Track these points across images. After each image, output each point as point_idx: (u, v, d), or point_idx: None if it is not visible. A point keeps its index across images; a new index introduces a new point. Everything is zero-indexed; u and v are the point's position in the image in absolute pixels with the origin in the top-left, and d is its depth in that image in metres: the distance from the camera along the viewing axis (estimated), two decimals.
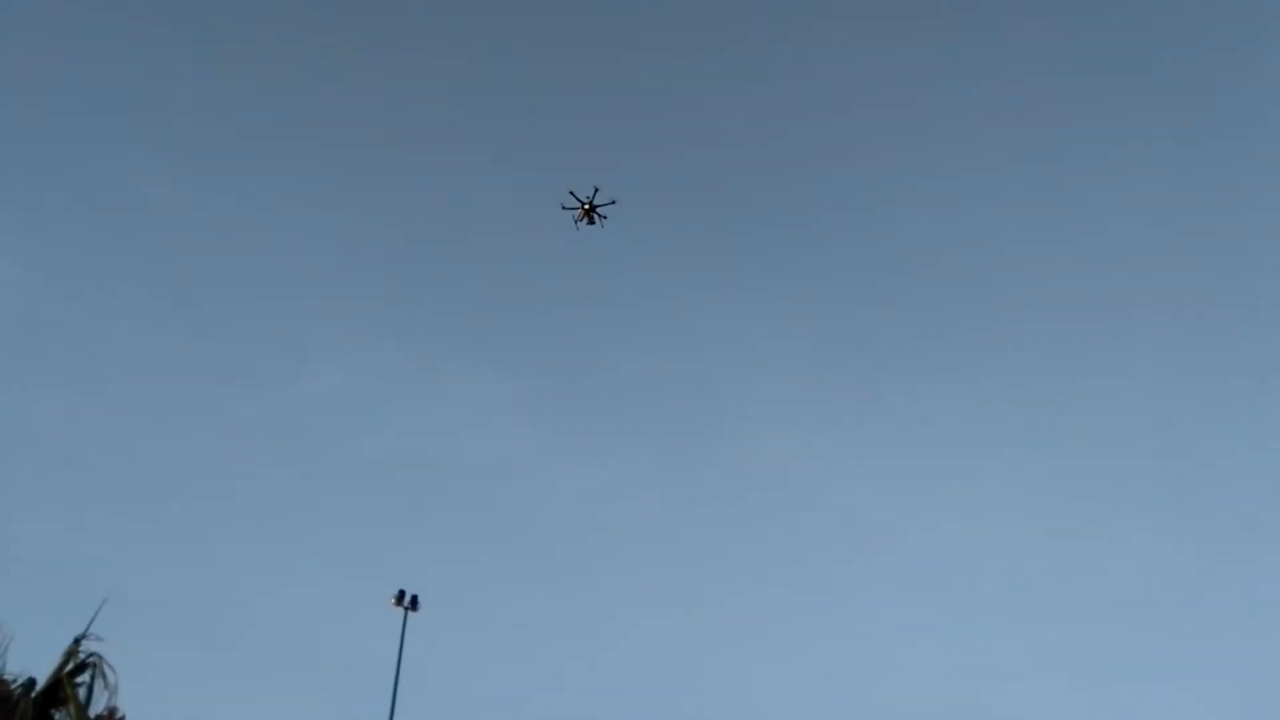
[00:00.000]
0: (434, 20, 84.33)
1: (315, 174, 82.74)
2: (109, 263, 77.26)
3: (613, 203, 44.65)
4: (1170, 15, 79.25)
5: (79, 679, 14.36)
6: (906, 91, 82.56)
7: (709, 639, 62.66)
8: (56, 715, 14.32)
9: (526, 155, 79.31)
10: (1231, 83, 74.94)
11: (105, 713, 14.49)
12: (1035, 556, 67.08)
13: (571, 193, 44.90)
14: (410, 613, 39.76)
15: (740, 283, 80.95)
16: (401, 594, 40.00)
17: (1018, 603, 66.22)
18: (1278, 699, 53.68)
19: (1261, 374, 71.25)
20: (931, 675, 58.17)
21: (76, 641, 14.45)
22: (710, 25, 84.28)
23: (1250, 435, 70.25)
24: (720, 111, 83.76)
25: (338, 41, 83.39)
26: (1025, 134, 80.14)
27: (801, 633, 63.18)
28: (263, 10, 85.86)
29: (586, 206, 44.83)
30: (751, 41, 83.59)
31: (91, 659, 14.42)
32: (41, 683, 14.36)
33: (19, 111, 74.87)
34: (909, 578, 66.30)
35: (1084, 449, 72.08)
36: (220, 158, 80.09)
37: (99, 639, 14.49)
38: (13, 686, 14.29)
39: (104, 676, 14.38)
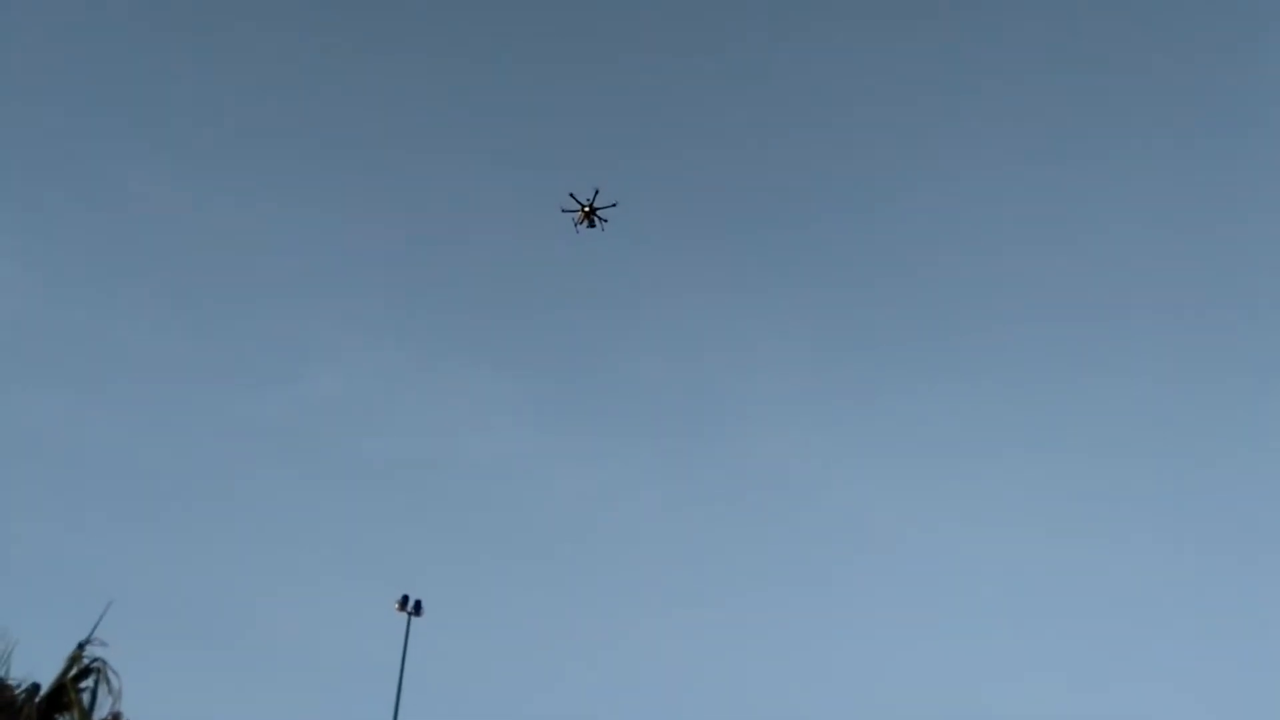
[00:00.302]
0: (434, 20, 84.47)
1: (315, 174, 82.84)
2: (108, 263, 77.35)
3: (613, 205, 44.58)
4: (1170, 15, 79.36)
5: (83, 684, 14.36)
6: (906, 91, 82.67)
7: (709, 639, 62.81)
8: None
9: (526, 155, 79.45)
10: (1231, 83, 75.08)
11: (109, 717, 14.52)
12: (1035, 556, 67.18)
13: (571, 195, 44.76)
14: (413, 617, 39.84)
15: (740, 283, 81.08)
16: (405, 599, 39.97)
17: (1018, 603, 66.33)
18: (1278, 699, 53.79)
19: (1261, 374, 71.40)
20: (931, 675, 58.31)
21: (80, 646, 14.47)
22: (710, 25, 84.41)
23: (1250, 435, 70.41)
24: (720, 111, 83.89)
25: (338, 41, 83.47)
26: (1025, 134, 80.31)
27: (801, 633, 63.32)
28: (262, 10, 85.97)
29: (587, 209, 44.67)
30: (751, 41, 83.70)
31: (95, 664, 14.43)
32: (45, 688, 14.37)
33: (19, 112, 75.02)
34: (909, 578, 66.43)
35: (1084, 449, 72.20)
36: (220, 157, 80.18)
37: (103, 644, 14.51)
38: (16, 692, 14.30)
39: (108, 681, 14.40)
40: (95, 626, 14.46)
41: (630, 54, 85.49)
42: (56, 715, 14.23)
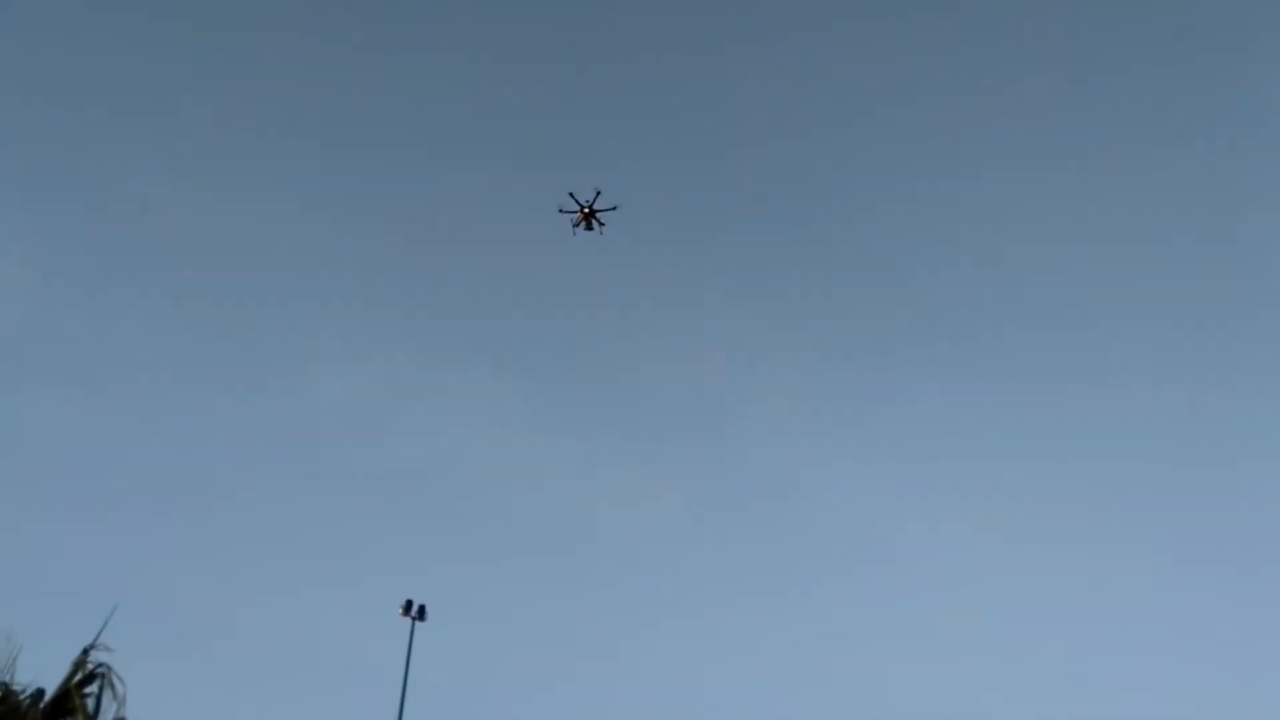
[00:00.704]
0: (435, 20, 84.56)
1: (318, 176, 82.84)
2: (110, 265, 77.37)
3: (613, 209, 44.04)
4: (1170, 15, 79.22)
5: (87, 690, 14.38)
6: (909, 94, 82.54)
7: (714, 644, 62.65)
8: None
9: (533, 157, 79.29)
10: (1231, 83, 75.04)
11: None
12: (1041, 563, 66.95)
13: (571, 195, 44.14)
14: (417, 622, 39.76)
15: (747, 289, 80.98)
16: (409, 604, 39.87)
17: (1022, 606, 66.03)
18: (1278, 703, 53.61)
19: (1264, 378, 71.17)
20: (935, 678, 58.19)
21: (85, 652, 14.49)
22: (710, 25, 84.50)
23: (1252, 438, 70.24)
24: (726, 113, 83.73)
25: (341, 43, 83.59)
26: (1026, 136, 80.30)
27: (806, 637, 63.10)
28: (263, 10, 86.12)
29: (586, 210, 44.11)
30: (753, 42, 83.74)
31: (100, 669, 14.45)
32: (50, 693, 14.40)
33: (19, 113, 75.11)
34: (914, 583, 66.26)
35: (1094, 455, 71.95)
36: (222, 160, 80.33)
37: (107, 649, 14.53)
38: (21, 697, 14.32)
39: (112, 687, 14.42)
40: (100, 631, 14.48)
41: (634, 54, 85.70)
42: None
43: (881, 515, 71.96)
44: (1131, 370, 74.13)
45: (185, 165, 78.48)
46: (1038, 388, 75.71)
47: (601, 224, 44.41)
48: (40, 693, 14.37)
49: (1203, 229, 75.55)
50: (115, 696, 14.38)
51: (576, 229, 44.63)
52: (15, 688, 14.34)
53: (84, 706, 14.28)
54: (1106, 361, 74.59)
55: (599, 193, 43.99)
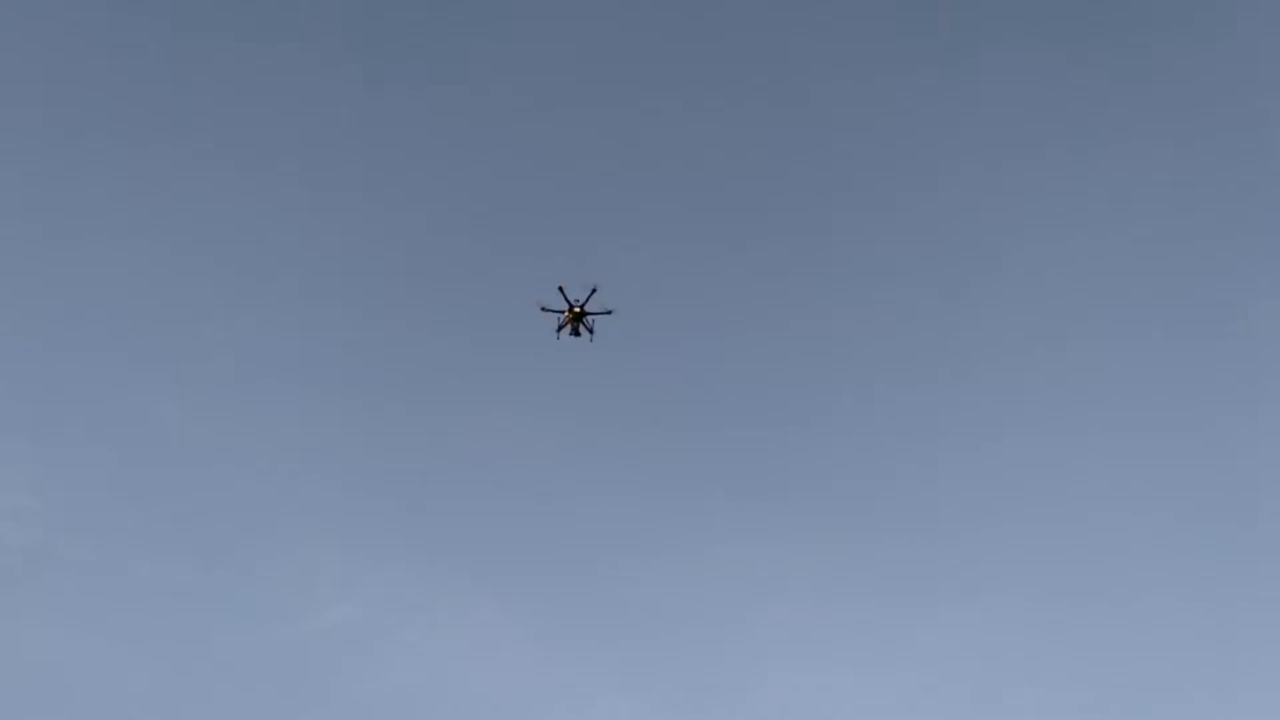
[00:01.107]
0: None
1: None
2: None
3: (608, 312, 38.63)
4: (1170, 15, 77.77)
5: None
6: (905, 91, 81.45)
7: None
8: None
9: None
10: (1231, 83, 73.98)
11: None
12: (1040, 563, 67.83)
13: (560, 289, 38.66)
14: None
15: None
16: None
17: (1021, 606, 66.97)
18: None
19: (1264, 377, 71.20)
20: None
21: None
22: (712, 27, 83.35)
23: (1252, 437, 70.52)
24: (728, 115, 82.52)
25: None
26: (1025, 133, 79.45)
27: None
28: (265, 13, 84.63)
29: (575, 310, 38.83)
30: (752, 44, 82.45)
31: None
32: None
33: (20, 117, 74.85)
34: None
35: (1097, 453, 72.16)
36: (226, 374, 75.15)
37: None
38: None
39: None
40: None
41: (627, 58, 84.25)
42: None
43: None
44: (1131, 372, 74.24)
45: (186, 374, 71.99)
46: (1043, 388, 74.98)
47: (590, 330, 39.15)
48: None
49: (1203, 229, 75.09)
50: None
51: (561, 332, 39.34)
52: None
53: None
54: (1107, 366, 74.67)
55: (594, 290, 38.36)
